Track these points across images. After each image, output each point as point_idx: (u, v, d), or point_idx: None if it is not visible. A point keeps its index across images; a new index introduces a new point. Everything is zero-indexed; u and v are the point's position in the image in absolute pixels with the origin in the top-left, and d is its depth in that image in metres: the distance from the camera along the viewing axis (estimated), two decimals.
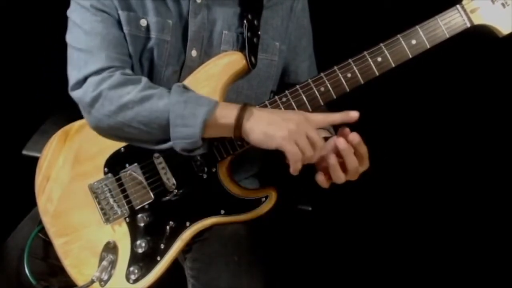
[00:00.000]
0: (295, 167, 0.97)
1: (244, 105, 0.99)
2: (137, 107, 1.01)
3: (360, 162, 0.99)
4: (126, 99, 1.01)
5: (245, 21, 1.12)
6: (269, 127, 0.97)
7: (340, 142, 0.96)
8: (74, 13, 1.11)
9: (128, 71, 1.08)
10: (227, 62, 1.11)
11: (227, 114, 0.99)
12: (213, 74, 1.11)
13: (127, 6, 1.10)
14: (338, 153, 0.98)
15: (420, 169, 1.65)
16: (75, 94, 1.07)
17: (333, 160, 0.97)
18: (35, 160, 1.16)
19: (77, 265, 1.12)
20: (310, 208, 1.33)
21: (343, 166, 0.98)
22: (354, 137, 0.97)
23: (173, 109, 0.99)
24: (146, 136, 1.04)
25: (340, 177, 0.99)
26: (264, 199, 1.08)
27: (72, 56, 1.09)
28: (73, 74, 1.07)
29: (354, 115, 0.98)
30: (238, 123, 0.98)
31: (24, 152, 1.35)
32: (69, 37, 1.11)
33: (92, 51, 1.06)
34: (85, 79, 1.05)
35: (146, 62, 1.12)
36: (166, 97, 1.01)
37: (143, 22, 1.10)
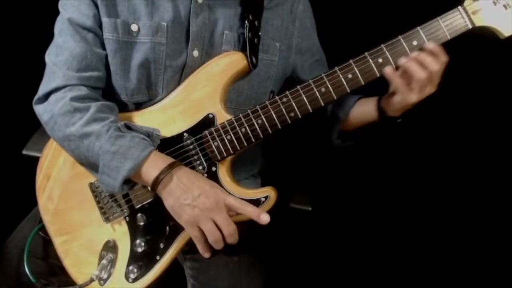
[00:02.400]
0: (202, 249, 1.04)
1: (169, 166, 1.01)
2: (77, 141, 1.05)
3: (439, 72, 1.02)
4: (69, 132, 1.05)
5: (246, 22, 1.13)
6: (175, 206, 1.01)
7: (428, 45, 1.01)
8: (57, 23, 1.12)
9: (83, 91, 1.08)
10: (228, 62, 1.12)
11: (149, 173, 1.01)
12: (215, 74, 1.11)
13: (115, 13, 1.09)
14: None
15: (420, 169, 1.65)
16: (36, 109, 1.11)
17: (403, 59, 1.01)
18: (35, 160, 1.16)
19: (76, 264, 1.12)
20: (310, 208, 1.33)
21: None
22: (428, 45, 1.01)
23: (103, 157, 1.02)
24: (86, 164, 1.10)
25: (419, 72, 1.00)
26: (263, 199, 1.08)
27: (46, 67, 1.11)
28: (40, 88, 1.11)
29: (264, 219, 1.00)
30: (153, 187, 1.02)
31: (24, 152, 1.35)
32: (49, 47, 1.12)
33: (55, 68, 1.08)
34: (45, 97, 1.09)
35: (141, 68, 1.11)
36: (103, 138, 1.02)
37: (134, 27, 1.10)
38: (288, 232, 1.40)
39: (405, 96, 1.04)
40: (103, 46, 1.11)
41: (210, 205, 1.00)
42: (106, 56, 1.11)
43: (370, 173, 1.65)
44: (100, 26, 1.10)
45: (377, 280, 1.69)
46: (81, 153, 1.06)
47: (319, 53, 1.30)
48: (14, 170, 1.42)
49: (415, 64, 1.00)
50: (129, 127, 1.06)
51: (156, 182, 1.01)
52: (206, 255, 1.05)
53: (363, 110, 1.18)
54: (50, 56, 1.10)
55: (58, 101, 1.07)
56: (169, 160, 1.03)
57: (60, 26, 1.11)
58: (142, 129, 1.07)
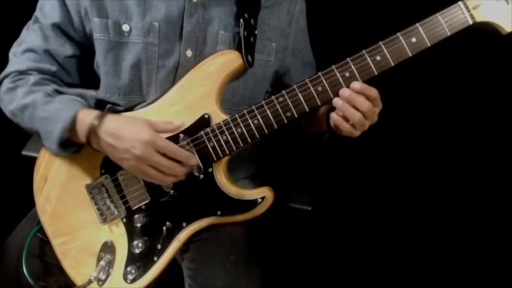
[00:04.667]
0: (160, 182, 1.06)
1: (95, 119, 1.02)
2: (20, 115, 1.09)
3: (374, 103, 1.03)
4: (13, 107, 1.09)
5: (241, 20, 1.11)
6: (116, 160, 1.04)
7: (343, 91, 1.02)
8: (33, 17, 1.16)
9: (34, 76, 1.10)
10: (224, 61, 1.11)
11: (81, 130, 1.03)
12: (210, 73, 1.10)
13: (106, 13, 1.09)
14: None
15: (420, 169, 1.64)
16: None
17: (339, 102, 1.02)
18: (35, 160, 1.16)
19: (75, 265, 1.12)
20: (310, 208, 1.32)
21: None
22: (354, 85, 1.01)
23: (39, 124, 1.06)
24: (37, 135, 1.10)
25: (355, 115, 1.02)
26: (260, 200, 1.08)
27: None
28: None
29: (193, 161, 1.05)
30: (89, 145, 1.05)
31: (24, 152, 1.35)
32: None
33: (12, 57, 1.14)
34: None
35: (133, 68, 1.10)
36: (38, 107, 1.05)
37: (126, 27, 1.09)
38: (288, 232, 1.39)
39: (350, 133, 1.06)
40: (64, 46, 1.12)
41: (140, 155, 1.00)
42: (67, 56, 1.13)
43: (370, 173, 1.64)
44: (65, 28, 1.11)
45: (377, 280, 1.68)
46: (27, 125, 1.10)
47: (310, 55, 1.29)
48: (14, 170, 1.43)
49: (350, 108, 1.02)
50: (59, 91, 1.09)
51: (89, 142, 1.04)
52: (166, 183, 1.07)
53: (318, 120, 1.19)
54: (12, 47, 1.15)
55: (6, 83, 1.12)
56: (95, 113, 1.04)
57: (29, 22, 1.15)
58: (74, 91, 1.11)
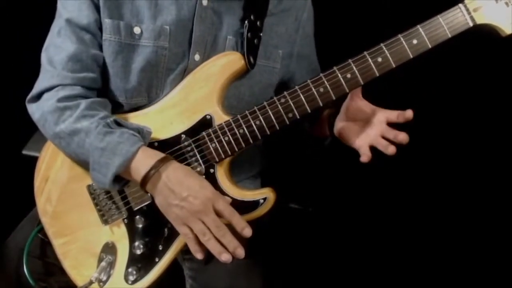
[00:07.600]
0: (192, 248, 1.00)
1: (159, 161, 0.99)
2: (67, 139, 1.04)
3: None
4: (59, 129, 1.04)
5: (246, 21, 1.11)
6: (163, 205, 1.01)
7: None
8: (55, 21, 1.11)
9: (76, 90, 1.07)
10: (226, 62, 1.11)
11: (139, 169, 1.00)
12: (212, 74, 1.10)
13: (118, 15, 1.07)
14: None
15: (420, 169, 1.64)
16: (28, 108, 1.11)
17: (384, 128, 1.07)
18: (35, 160, 1.16)
19: (76, 266, 1.12)
20: (310, 208, 1.33)
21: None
22: (409, 114, 1.06)
23: (92, 153, 1.01)
24: (78, 162, 1.09)
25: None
26: (262, 200, 1.07)
27: (41, 66, 1.10)
28: (34, 87, 1.10)
29: (246, 233, 0.99)
30: (142, 185, 1.00)
31: (24, 152, 1.35)
32: (46, 45, 1.11)
33: (50, 67, 1.08)
34: (38, 96, 1.08)
35: (142, 71, 1.09)
36: (92, 135, 1.01)
37: (137, 30, 1.08)
38: (288, 232, 1.40)
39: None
40: (100, 48, 1.09)
41: (197, 207, 0.98)
42: (103, 57, 1.10)
43: (370, 173, 1.64)
44: (99, 27, 1.08)
45: (377, 280, 1.68)
46: (72, 150, 1.05)
47: (315, 61, 1.30)
48: (14, 170, 1.43)
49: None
50: (118, 123, 1.05)
51: (145, 180, 0.99)
52: (198, 255, 1.01)
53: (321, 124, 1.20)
54: (46, 55, 1.09)
55: (49, 99, 1.06)
56: (159, 155, 1.01)
57: (58, 25, 1.09)
58: (132, 125, 1.06)
